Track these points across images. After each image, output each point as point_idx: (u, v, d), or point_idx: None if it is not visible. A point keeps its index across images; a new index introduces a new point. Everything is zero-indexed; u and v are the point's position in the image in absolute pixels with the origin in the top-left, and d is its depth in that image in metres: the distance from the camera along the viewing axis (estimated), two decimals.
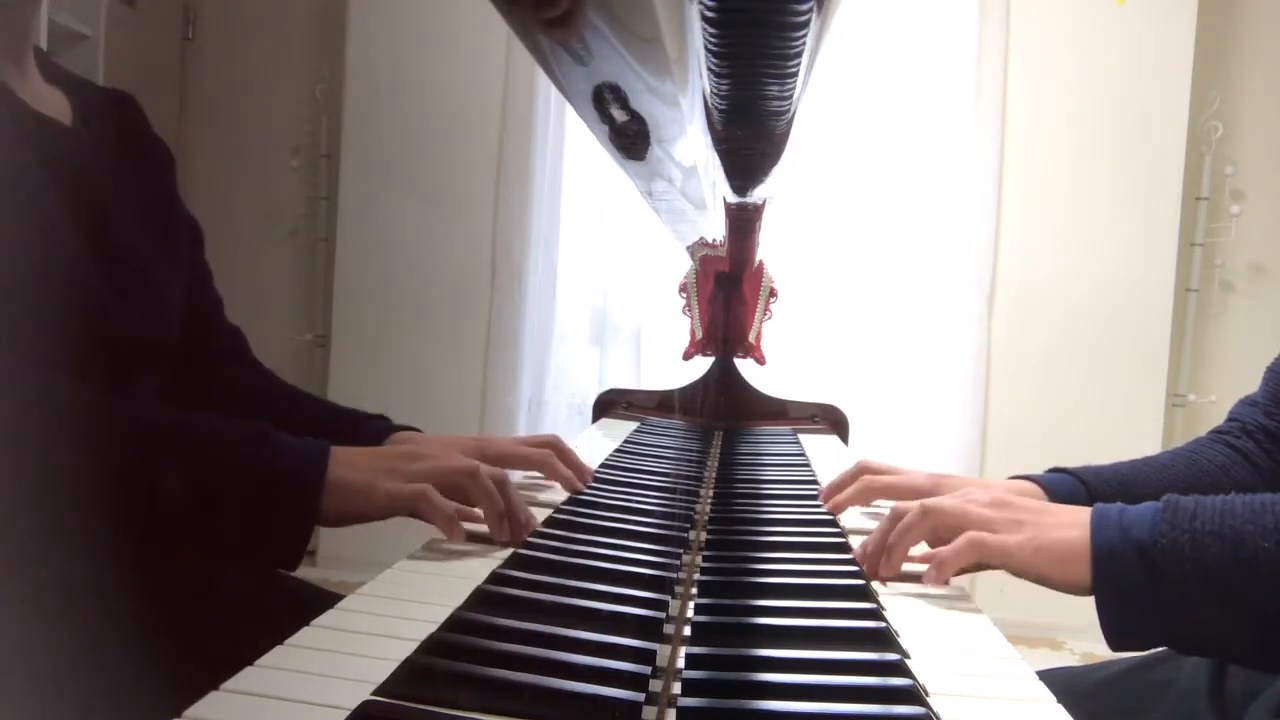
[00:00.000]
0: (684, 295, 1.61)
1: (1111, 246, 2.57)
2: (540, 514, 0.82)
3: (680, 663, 0.52)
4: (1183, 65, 2.50)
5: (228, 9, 2.90)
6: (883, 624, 0.58)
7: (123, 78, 2.39)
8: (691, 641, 0.55)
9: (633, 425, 1.46)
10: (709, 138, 0.64)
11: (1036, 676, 0.52)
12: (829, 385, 2.51)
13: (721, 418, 1.55)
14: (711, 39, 0.44)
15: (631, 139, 0.60)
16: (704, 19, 0.42)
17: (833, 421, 1.55)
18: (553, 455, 0.94)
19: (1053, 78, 2.58)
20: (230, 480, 0.64)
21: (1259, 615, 0.58)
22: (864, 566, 0.71)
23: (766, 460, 1.25)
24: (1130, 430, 2.51)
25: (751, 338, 1.58)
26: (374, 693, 0.44)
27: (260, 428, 0.67)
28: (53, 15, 2.15)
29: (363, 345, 2.81)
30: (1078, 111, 2.57)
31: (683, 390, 1.60)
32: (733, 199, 1.00)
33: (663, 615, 0.57)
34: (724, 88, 0.52)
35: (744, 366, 1.58)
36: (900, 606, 0.64)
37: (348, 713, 0.42)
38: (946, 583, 0.68)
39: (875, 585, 0.69)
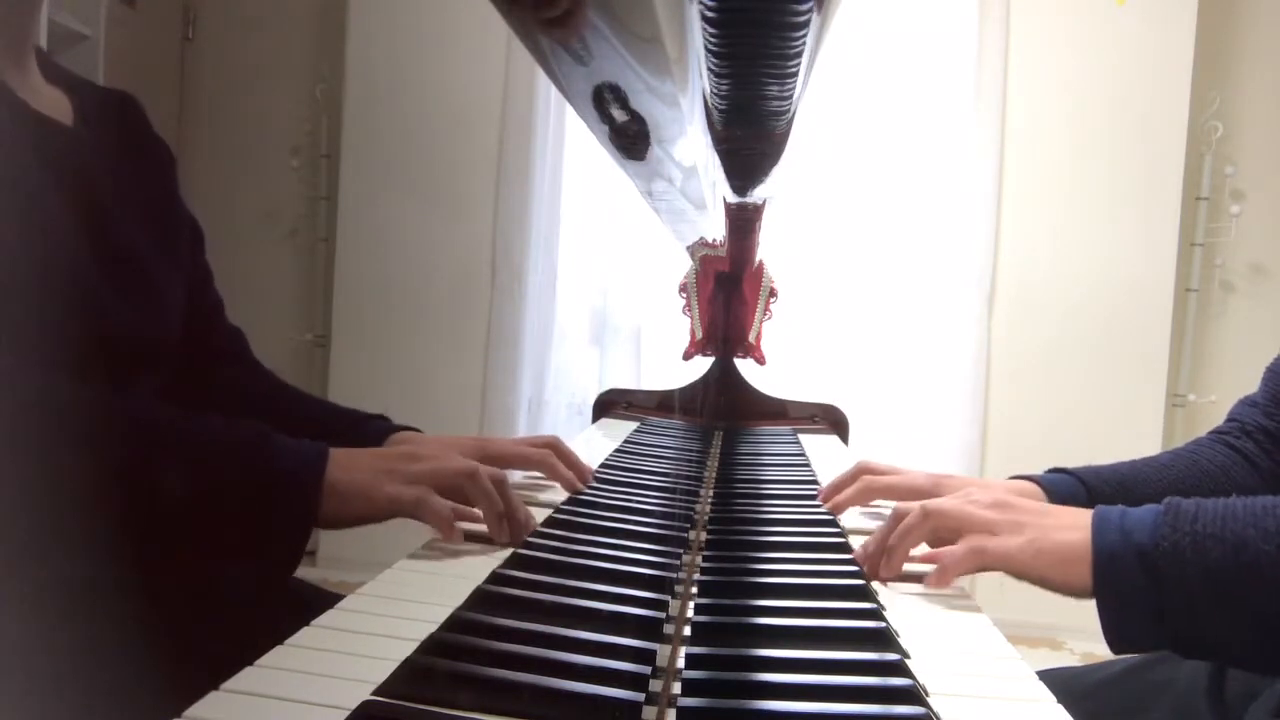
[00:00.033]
0: (684, 295, 1.61)
1: (1111, 246, 2.57)
2: (540, 514, 0.82)
3: (680, 663, 0.52)
4: (1183, 65, 2.50)
5: (228, 9, 2.90)
6: (883, 624, 0.58)
7: (123, 78, 2.39)
8: (691, 641, 0.55)
9: (633, 425, 1.46)
10: (709, 138, 0.64)
11: (1036, 676, 0.52)
12: (829, 385, 2.51)
13: (721, 418, 1.55)
14: (711, 39, 0.44)
15: (631, 139, 0.60)
16: (704, 19, 0.42)
17: (833, 421, 1.55)
18: (553, 455, 0.94)
19: (1053, 78, 2.58)
20: (228, 482, 0.64)
21: (1260, 618, 0.58)
22: (864, 567, 0.71)
23: (766, 460, 1.25)
24: (1130, 430, 2.51)
25: (751, 338, 1.58)
26: (374, 693, 0.44)
27: (259, 429, 0.66)
28: (53, 15, 2.15)
29: (363, 345, 2.81)
30: (1078, 111, 2.57)
31: (683, 390, 1.60)
32: (733, 199, 1.00)
33: (663, 615, 0.57)
34: (724, 88, 0.52)
35: (744, 366, 1.58)
36: (900, 606, 0.64)
37: (348, 713, 0.42)
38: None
39: (875, 585, 0.69)
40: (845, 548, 0.77)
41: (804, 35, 0.43)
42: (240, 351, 0.98)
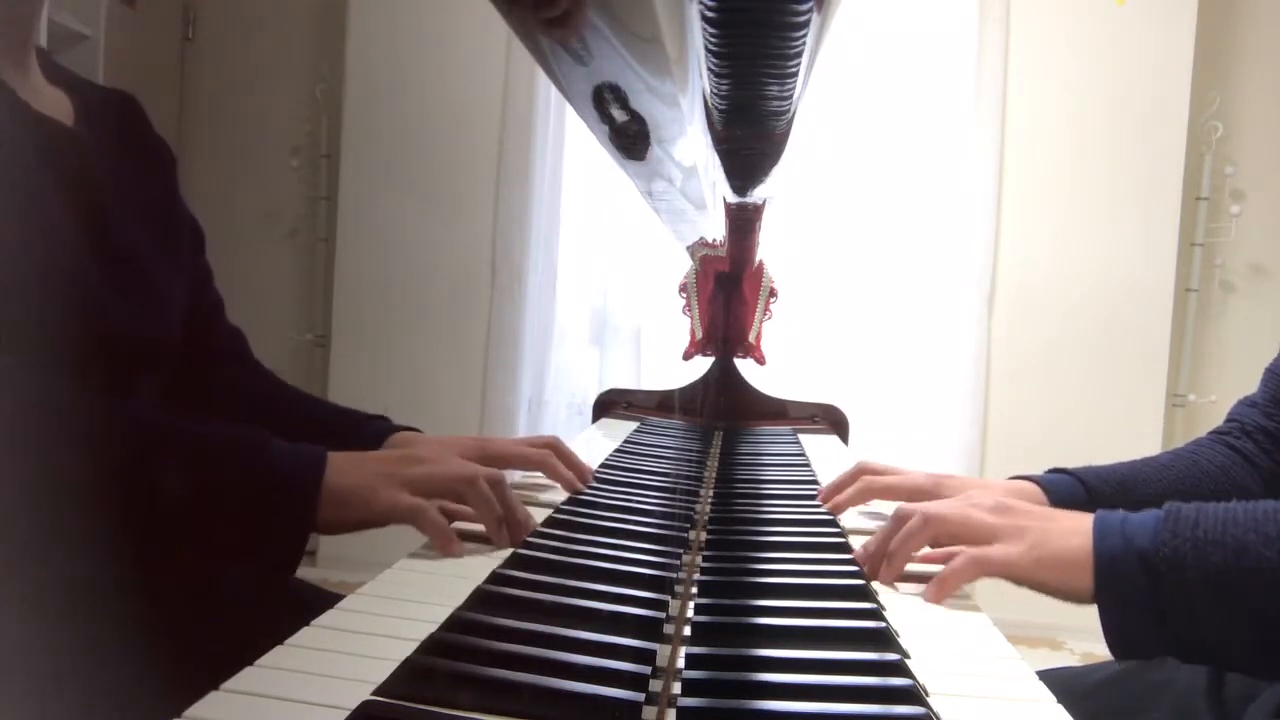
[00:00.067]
0: (684, 295, 1.61)
1: (1111, 246, 2.57)
2: (540, 514, 0.82)
3: (680, 663, 0.52)
4: (1183, 65, 2.50)
5: (228, 9, 2.90)
6: (883, 624, 0.58)
7: (123, 78, 2.39)
8: (691, 641, 0.55)
9: (633, 425, 1.46)
10: (709, 138, 0.64)
11: (1036, 676, 0.52)
12: (829, 385, 2.51)
13: (721, 418, 1.55)
14: (711, 39, 0.44)
15: (631, 139, 0.60)
16: (704, 19, 0.42)
17: (833, 421, 1.55)
18: (553, 456, 0.94)
19: (1053, 78, 2.58)
20: (227, 486, 0.64)
21: (1261, 623, 0.59)
22: (864, 568, 0.71)
23: (766, 460, 1.25)
24: (1130, 430, 2.51)
25: (751, 338, 1.58)
26: (374, 693, 0.44)
27: (258, 434, 0.66)
28: (53, 15, 2.15)
29: (363, 345, 2.81)
30: (1078, 111, 2.57)
31: (683, 390, 1.60)
32: (733, 199, 1.00)
33: (663, 615, 0.57)
34: (724, 88, 0.52)
35: (744, 366, 1.58)
36: (900, 606, 0.64)
37: (348, 713, 0.42)
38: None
39: (875, 585, 0.69)
40: (845, 548, 0.77)
41: (804, 35, 0.43)
42: (240, 351, 0.98)
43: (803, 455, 1.27)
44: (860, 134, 2.62)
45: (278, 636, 0.49)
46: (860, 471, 0.93)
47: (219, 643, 0.50)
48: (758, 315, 1.58)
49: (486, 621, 0.54)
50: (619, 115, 0.54)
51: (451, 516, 0.75)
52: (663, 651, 0.51)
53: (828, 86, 2.52)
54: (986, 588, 0.67)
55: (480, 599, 0.58)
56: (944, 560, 0.73)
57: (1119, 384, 2.57)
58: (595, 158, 2.57)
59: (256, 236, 2.87)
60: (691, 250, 1.54)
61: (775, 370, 1.61)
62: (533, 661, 0.48)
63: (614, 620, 0.55)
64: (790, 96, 0.54)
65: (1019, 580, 0.65)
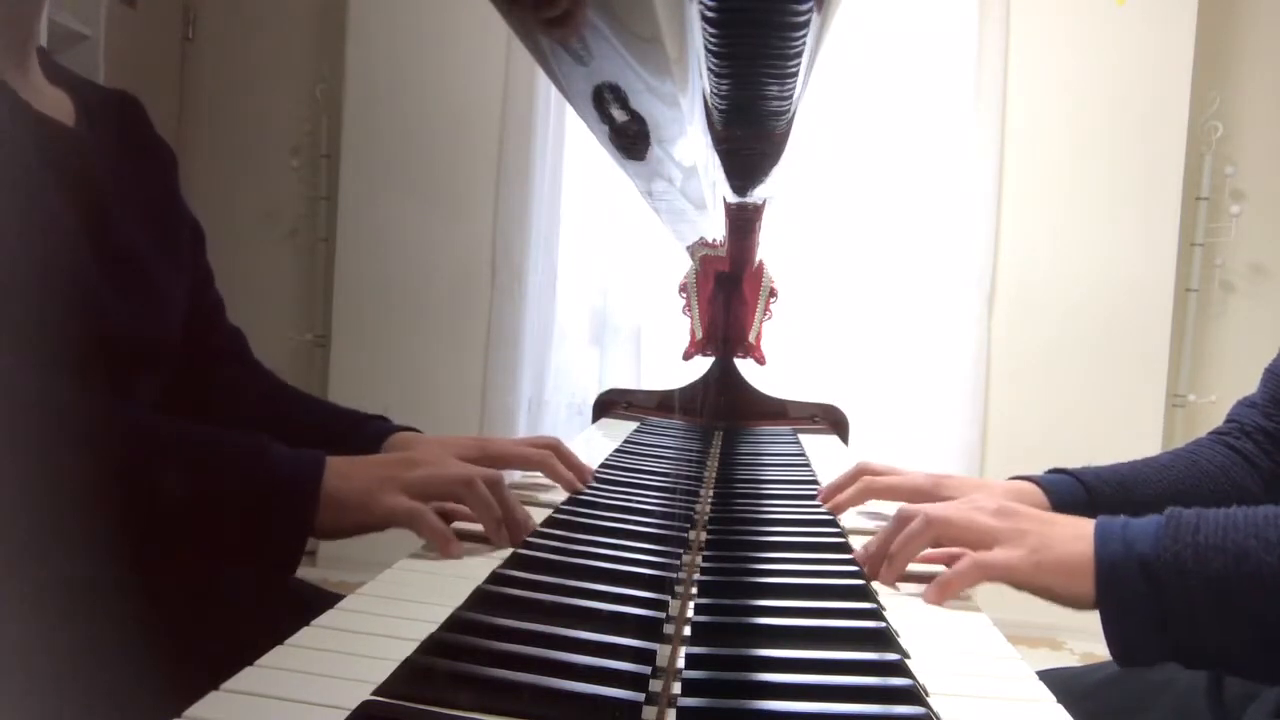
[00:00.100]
0: (684, 295, 1.61)
1: (1111, 246, 2.57)
2: (540, 514, 0.82)
3: (680, 663, 0.52)
4: (1183, 65, 2.50)
5: (228, 9, 2.90)
6: (883, 624, 0.58)
7: (123, 78, 2.39)
8: (691, 641, 0.55)
9: (633, 425, 1.46)
10: (709, 138, 0.64)
11: (1036, 676, 0.52)
12: (829, 385, 2.51)
13: (721, 418, 1.55)
14: (711, 39, 0.44)
15: (631, 139, 0.60)
16: (704, 19, 0.42)
17: (833, 421, 1.55)
18: (553, 456, 0.94)
19: (1053, 78, 2.58)
20: (226, 491, 0.64)
21: (1261, 628, 0.59)
22: (864, 568, 0.71)
23: (766, 460, 1.25)
24: (1130, 430, 2.51)
25: (751, 338, 1.58)
26: (374, 693, 0.44)
27: (257, 438, 0.66)
28: (53, 15, 2.15)
29: (363, 345, 2.81)
30: (1078, 111, 2.57)
31: (683, 390, 1.60)
32: (733, 199, 1.00)
33: (663, 615, 0.57)
34: (724, 88, 0.52)
35: (744, 366, 1.58)
36: (900, 606, 0.64)
37: (348, 713, 0.42)
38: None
39: (875, 585, 0.69)
40: (845, 548, 0.77)
41: (804, 35, 0.43)
42: (240, 352, 0.98)
43: (803, 455, 1.27)
44: (860, 134, 2.62)
45: (278, 636, 0.49)
46: (860, 472, 0.93)
47: (219, 643, 0.50)
48: (758, 315, 1.58)
49: (486, 621, 0.54)
50: (619, 115, 0.54)
51: (451, 517, 0.75)
52: (663, 651, 0.51)
53: (828, 86, 2.52)
54: (986, 588, 0.67)
55: (480, 599, 0.58)
56: (945, 561, 0.73)
57: (1119, 384, 2.57)
58: (595, 158, 2.57)
59: (256, 236, 2.87)
60: (691, 250, 1.54)
61: (775, 370, 1.61)
62: (533, 661, 0.48)
63: (614, 620, 0.55)
64: (790, 96, 0.54)
65: (1020, 585, 0.65)
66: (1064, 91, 2.57)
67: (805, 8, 0.40)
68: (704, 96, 0.54)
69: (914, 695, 0.48)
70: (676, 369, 1.62)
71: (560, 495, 0.92)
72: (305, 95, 2.84)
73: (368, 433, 0.92)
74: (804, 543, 0.81)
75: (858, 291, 2.66)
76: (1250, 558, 0.58)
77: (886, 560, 0.70)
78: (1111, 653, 0.62)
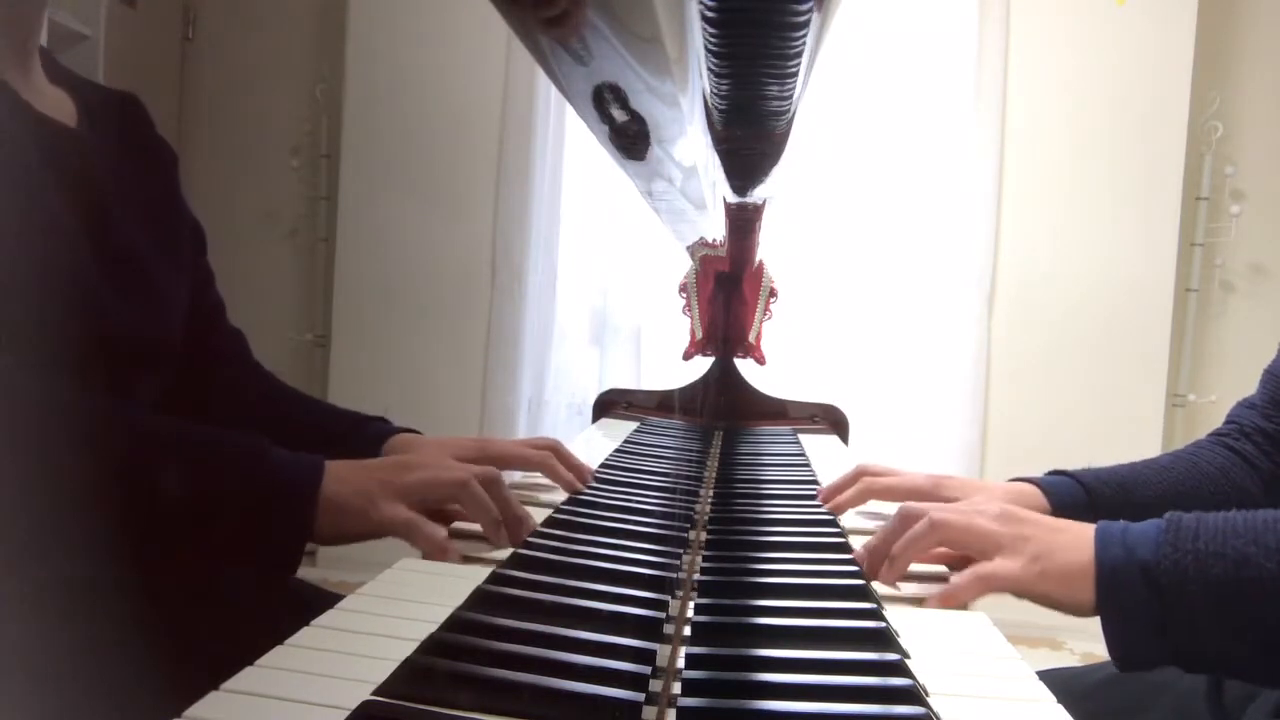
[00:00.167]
0: (684, 295, 1.61)
1: (1111, 246, 2.57)
2: (540, 514, 0.82)
3: (680, 663, 0.52)
4: (1183, 65, 2.51)
5: (228, 9, 2.90)
6: (883, 624, 0.58)
7: (123, 78, 2.39)
8: (691, 641, 0.55)
9: (633, 425, 1.46)
10: (709, 138, 0.64)
11: (1036, 676, 0.52)
12: (829, 385, 2.51)
13: (721, 418, 1.55)
14: (711, 39, 0.44)
15: (631, 139, 0.60)
16: (704, 19, 0.42)
17: (833, 421, 1.55)
18: (553, 457, 0.94)
19: (1053, 78, 2.58)
20: (225, 492, 0.64)
21: (1261, 634, 0.59)
22: (864, 567, 0.71)
23: (766, 460, 1.25)
24: (1130, 430, 2.51)
25: (751, 338, 1.58)
26: (374, 693, 0.44)
27: (257, 440, 0.66)
28: (53, 15, 2.15)
29: (363, 345, 2.81)
30: (1078, 111, 2.57)
31: (683, 390, 1.60)
32: (733, 199, 1.00)
33: (663, 615, 0.57)
34: (724, 88, 0.52)
35: (744, 366, 1.58)
36: (900, 606, 0.64)
37: (348, 713, 0.42)
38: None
39: (875, 585, 0.69)
40: (845, 548, 0.77)
41: (804, 35, 0.43)
42: (241, 354, 0.98)
43: (803, 455, 1.27)
44: (860, 134, 2.62)
45: (278, 636, 0.49)
46: (860, 473, 0.93)
47: (219, 643, 0.50)
48: (758, 315, 1.58)
49: (486, 621, 0.54)
50: (619, 115, 0.54)
51: (452, 518, 0.75)
52: (663, 651, 0.51)
53: (828, 86, 2.52)
54: None
55: (480, 599, 0.58)
56: (944, 561, 0.73)
57: (1119, 384, 2.57)
58: (595, 158, 2.57)
59: (256, 236, 2.88)
60: (691, 250, 1.54)
61: (775, 370, 1.61)
62: (533, 661, 0.48)
63: (614, 620, 0.55)
64: (790, 96, 0.54)
65: (1022, 594, 0.65)
66: (1064, 91, 2.57)
67: (805, 8, 0.40)
68: (704, 96, 0.54)
69: (914, 695, 0.48)
70: (676, 369, 1.62)
71: (560, 495, 0.92)
72: (305, 95, 2.84)
73: (367, 434, 0.92)
74: (804, 543, 0.81)
75: (858, 291, 2.66)
76: (1250, 564, 0.59)
77: (888, 560, 0.70)
78: (1112, 657, 0.62)
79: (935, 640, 0.58)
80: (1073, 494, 0.89)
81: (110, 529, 0.58)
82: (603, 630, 0.53)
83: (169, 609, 0.61)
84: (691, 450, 1.38)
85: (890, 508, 0.81)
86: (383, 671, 0.46)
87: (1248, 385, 1.02)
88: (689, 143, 0.62)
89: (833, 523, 0.88)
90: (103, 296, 0.75)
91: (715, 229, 1.24)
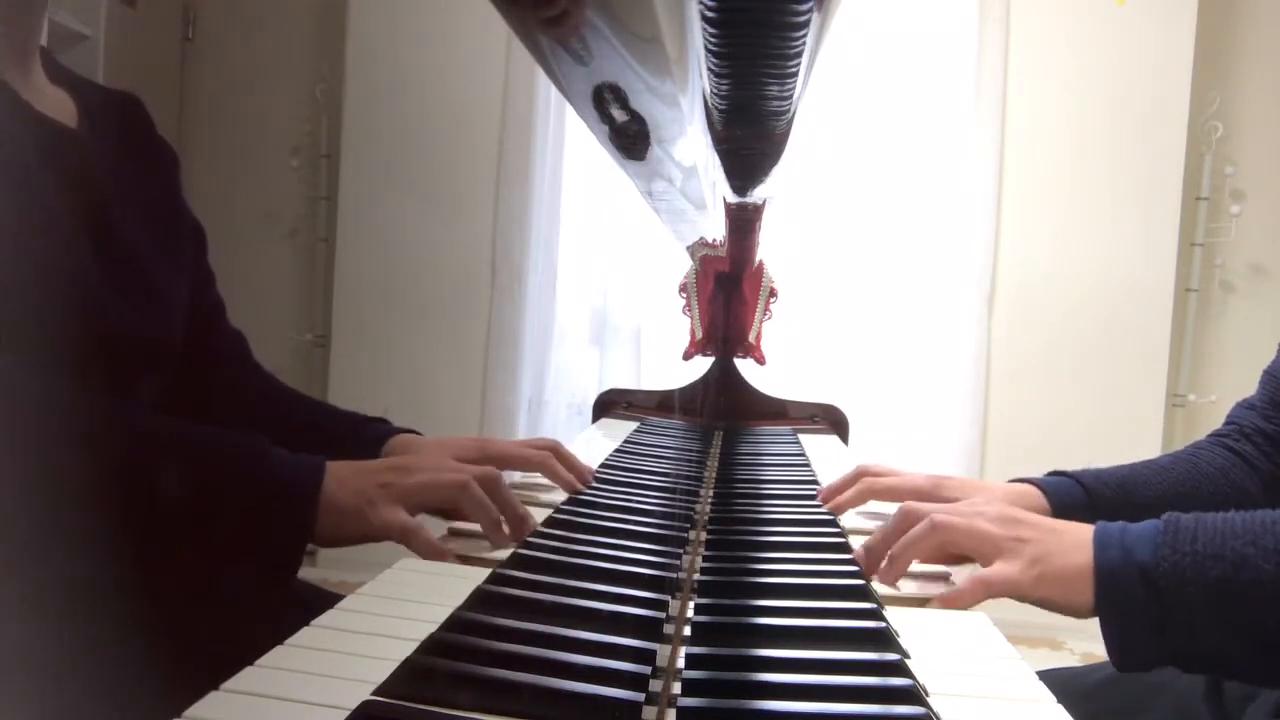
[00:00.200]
0: (684, 295, 1.61)
1: (1111, 246, 2.57)
2: (540, 514, 0.82)
3: (680, 663, 0.52)
4: (1183, 65, 2.51)
5: (228, 9, 2.90)
6: (883, 624, 0.58)
7: (123, 78, 2.39)
8: (691, 641, 0.55)
9: (633, 425, 1.46)
10: (709, 138, 0.64)
11: (1036, 676, 0.52)
12: (829, 385, 2.51)
13: (721, 418, 1.55)
14: (711, 39, 0.44)
15: (631, 139, 0.60)
16: (704, 19, 0.42)
17: (833, 421, 1.55)
18: (553, 458, 0.94)
19: (1053, 78, 2.58)
20: (226, 492, 0.64)
21: (1260, 634, 0.59)
22: (863, 566, 0.71)
23: (766, 460, 1.25)
24: (1130, 430, 2.51)
25: (751, 338, 1.58)
26: (374, 693, 0.44)
27: (258, 441, 0.66)
28: (53, 15, 2.15)
29: (363, 345, 2.81)
30: (1078, 111, 2.57)
31: (683, 390, 1.60)
32: (733, 199, 1.00)
33: (663, 615, 0.57)
34: (724, 88, 0.52)
35: (744, 366, 1.58)
36: (900, 606, 0.64)
37: (348, 713, 0.42)
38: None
39: (875, 585, 0.69)
40: (845, 548, 0.77)
41: (804, 35, 0.43)
42: (241, 354, 0.98)
43: (803, 455, 1.27)
44: (860, 134, 2.62)
45: (278, 636, 0.49)
46: (860, 473, 0.93)
47: (219, 643, 0.50)
48: (758, 315, 1.58)
49: (486, 621, 0.54)
50: (619, 115, 0.54)
51: (452, 518, 0.75)
52: (663, 651, 0.51)
53: (828, 86, 2.52)
54: None
55: (480, 599, 0.58)
56: (943, 560, 0.73)
57: (1119, 384, 2.57)
58: (595, 158, 2.57)
59: (256, 236, 2.88)
60: (691, 250, 1.54)
61: (775, 370, 1.61)
62: (533, 661, 0.48)
63: (614, 620, 0.55)
64: (790, 96, 0.54)
65: (1022, 598, 0.66)
66: (1064, 91, 2.57)
67: (805, 8, 0.40)
68: (704, 96, 0.54)
69: (914, 695, 0.48)
70: (676, 369, 1.62)
71: (560, 495, 0.92)
72: (305, 95, 2.84)
73: (368, 435, 0.92)
74: (804, 543, 0.81)
75: (858, 291, 2.66)
76: (1248, 566, 0.59)
77: (888, 560, 0.70)
78: (1111, 658, 0.63)
79: (935, 640, 0.58)
80: (1073, 494, 0.89)
81: (110, 529, 0.58)
82: (603, 630, 0.53)
83: (169, 609, 0.61)
84: (691, 450, 1.38)
85: (890, 508, 0.81)
86: (383, 671, 0.46)
87: (1248, 385, 1.02)
88: (689, 143, 0.62)
89: (833, 523, 0.88)
90: (103, 297, 0.75)
91: (715, 229, 1.24)
